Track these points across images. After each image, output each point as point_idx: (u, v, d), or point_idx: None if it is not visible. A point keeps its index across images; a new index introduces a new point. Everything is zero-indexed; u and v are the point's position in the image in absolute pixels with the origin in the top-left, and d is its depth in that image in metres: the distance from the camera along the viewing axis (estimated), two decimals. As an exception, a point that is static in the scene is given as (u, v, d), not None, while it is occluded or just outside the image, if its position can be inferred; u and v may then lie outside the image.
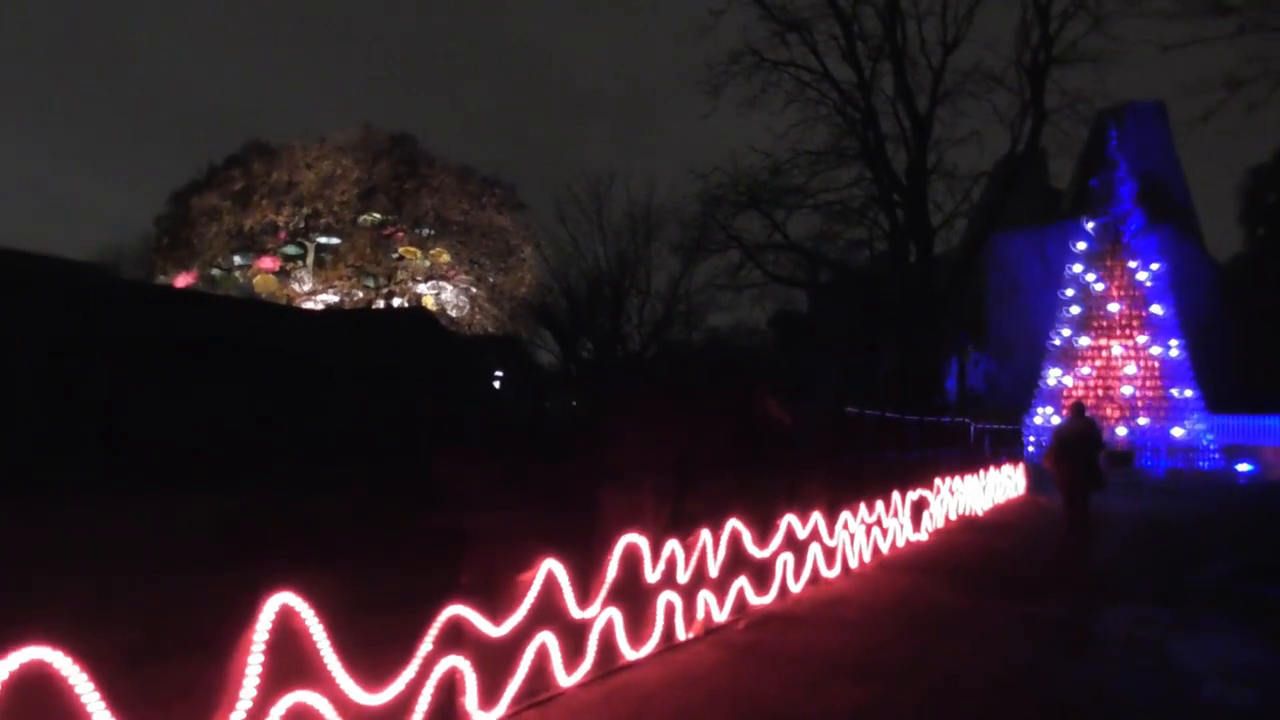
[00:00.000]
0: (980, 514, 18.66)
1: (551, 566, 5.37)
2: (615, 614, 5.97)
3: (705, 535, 7.23)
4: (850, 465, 11.30)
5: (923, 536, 13.97)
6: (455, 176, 58.85)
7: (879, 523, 11.86)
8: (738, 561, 7.90)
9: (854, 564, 10.78)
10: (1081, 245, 39.74)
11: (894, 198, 23.65)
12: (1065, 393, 38.13)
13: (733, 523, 7.74)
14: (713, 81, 25.13)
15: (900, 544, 12.88)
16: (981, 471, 19.65)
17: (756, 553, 8.18)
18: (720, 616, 7.49)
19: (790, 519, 8.96)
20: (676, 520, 6.95)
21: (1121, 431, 36.79)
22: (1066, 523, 12.31)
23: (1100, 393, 37.74)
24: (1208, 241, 52.62)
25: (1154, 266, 38.85)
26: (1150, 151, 49.12)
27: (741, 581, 7.92)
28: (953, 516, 16.46)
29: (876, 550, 11.77)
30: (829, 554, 10.06)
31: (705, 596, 7.24)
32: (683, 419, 7.57)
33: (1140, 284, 38.61)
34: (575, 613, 5.58)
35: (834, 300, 27.84)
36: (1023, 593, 9.97)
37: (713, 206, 25.24)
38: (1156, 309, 38.25)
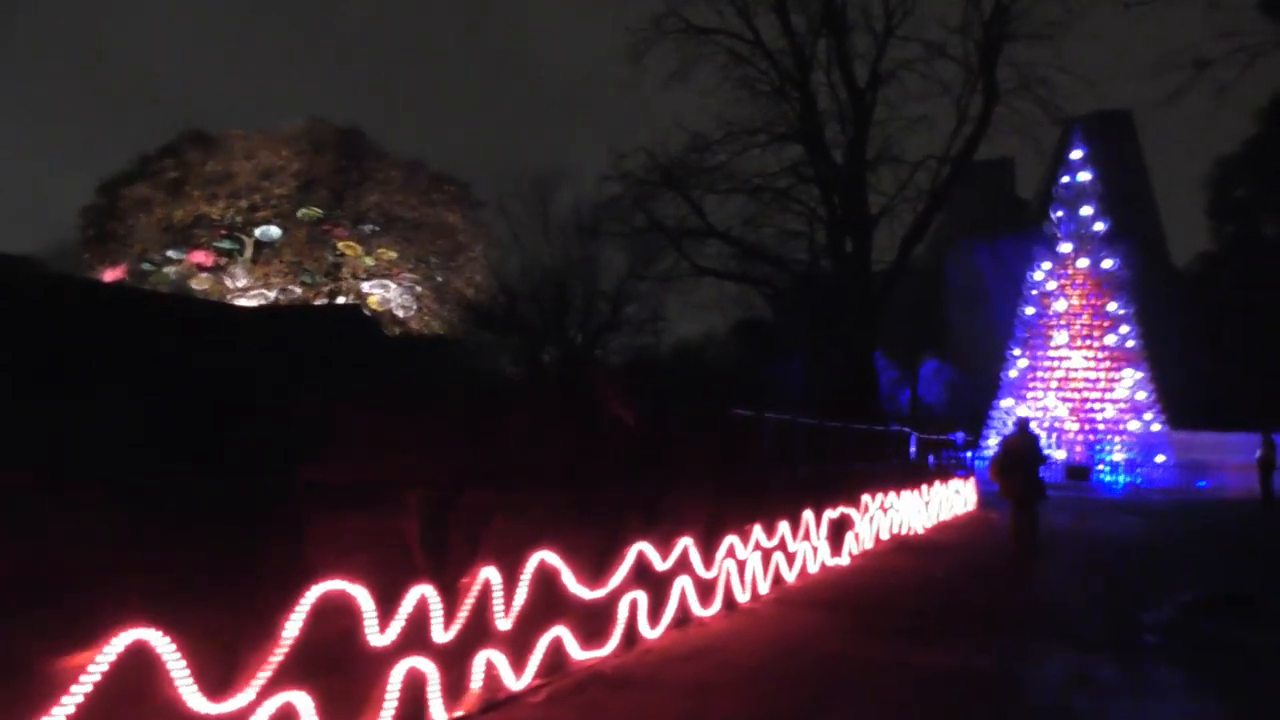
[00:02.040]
0: (921, 532, 16.93)
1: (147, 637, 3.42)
2: (299, 699, 4.03)
3: (488, 575, 5.33)
4: (745, 480, 9.46)
5: (843, 561, 12.16)
6: (404, 171, 56.68)
7: (782, 547, 10.02)
8: (554, 605, 6.01)
9: (744, 598, 8.92)
10: (1045, 257, 38.38)
11: (832, 184, 21.72)
12: (1025, 403, 36.70)
13: (543, 555, 5.85)
14: (635, 49, 23.10)
15: (813, 570, 11.05)
16: (924, 486, 17.93)
17: (585, 593, 6.29)
18: (517, 683, 5.58)
19: (644, 547, 7.09)
20: (440, 556, 5.06)
21: (1080, 445, 35.38)
22: (1012, 535, 12.85)
23: (1060, 404, 36.32)
24: (1172, 245, 51.76)
25: (1116, 272, 37.59)
26: (1116, 161, 48.08)
27: (558, 631, 6.02)
28: (885, 536, 14.68)
29: (778, 580, 9.93)
30: (706, 588, 8.19)
31: (488, 658, 5.32)
32: (470, 420, 5.69)
33: (1104, 293, 37.32)
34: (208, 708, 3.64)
35: (791, 305, 25.67)
36: (945, 636, 8.17)
37: (630, 186, 23.17)
38: (1117, 313, 36.93)
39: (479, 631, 5.25)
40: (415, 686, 4.71)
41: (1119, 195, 41.59)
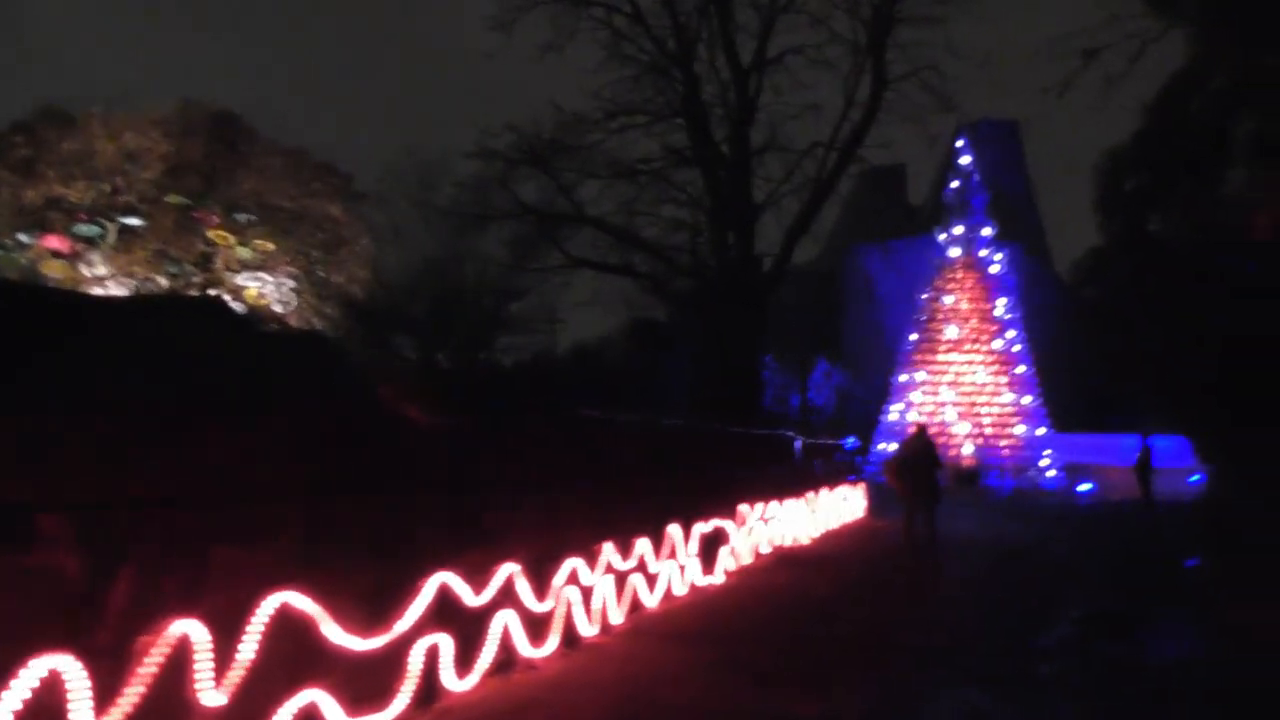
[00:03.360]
0: (806, 543, 15.94)
1: None
2: None
3: (183, 629, 3.86)
4: (598, 492, 8.15)
5: (716, 580, 10.97)
6: (284, 159, 53.69)
7: (642, 568, 8.74)
8: (308, 661, 4.57)
9: (591, 630, 7.59)
10: (936, 262, 38.43)
11: (716, 171, 20.59)
12: (915, 408, 36.62)
13: (286, 597, 4.40)
14: (503, 17, 21.43)
15: (681, 592, 9.82)
16: (810, 493, 16.96)
17: (357, 643, 4.86)
18: (237, 774, 4.12)
19: (448, 578, 5.69)
20: (107, 606, 3.57)
21: (969, 449, 35.39)
22: (905, 538, 13.09)
23: (950, 408, 36.31)
24: (1056, 252, 53.03)
25: (1004, 278, 37.90)
26: (1003, 169, 48.88)
27: (310, 696, 4.57)
28: (766, 549, 13.59)
29: (636, 607, 8.64)
30: (539, 623, 6.84)
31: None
32: (182, 420, 4.22)
33: (991, 299, 37.55)
34: None
35: (679, 301, 24.25)
36: (817, 671, 7.03)
37: (494, 165, 21.52)
38: (1004, 318, 37.23)
39: (165, 713, 3.77)
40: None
41: (1006, 201, 42.14)
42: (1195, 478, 34.36)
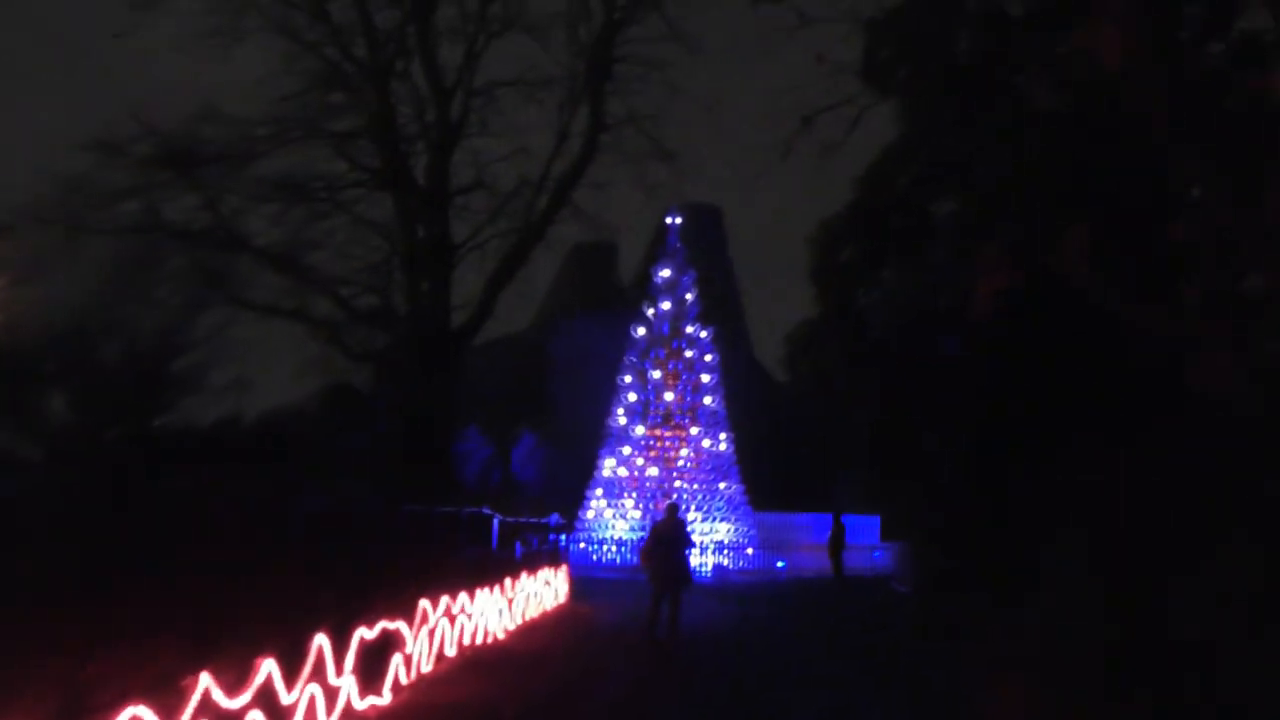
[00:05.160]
0: (502, 637, 13.79)
1: None
2: None
3: None
4: (194, 596, 5.64)
5: (382, 700, 8.54)
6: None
7: (263, 700, 6.22)
8: None
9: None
10: (642, 332, 38.31)
11: (410, 203, 18.21)
12: (622, 483, 35.83)
13: None
14: None
15: (329, 725, 7.33)
16: (509, 580, 14.87)
17: None
18: None
19: None
20: None
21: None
22: (649, 625, 12.63)
23: (652, 485, 35.81)
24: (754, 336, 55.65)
25: (708, 358, 38.47)
26: (707, 252, 50.62)
27: None
28: (452, 650, 11.29)
29: (251, 759, 6.09)
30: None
31: None
32: None
33: (695, 376, 37.89)
34: None
35: (370, 358, 21.08)
36: None
37: (118, 163, 17.51)
38: (708, 400, 37.66)
39: None
40: None
41: (710, 285, 43.23)
42: (878, 554, 36.12)
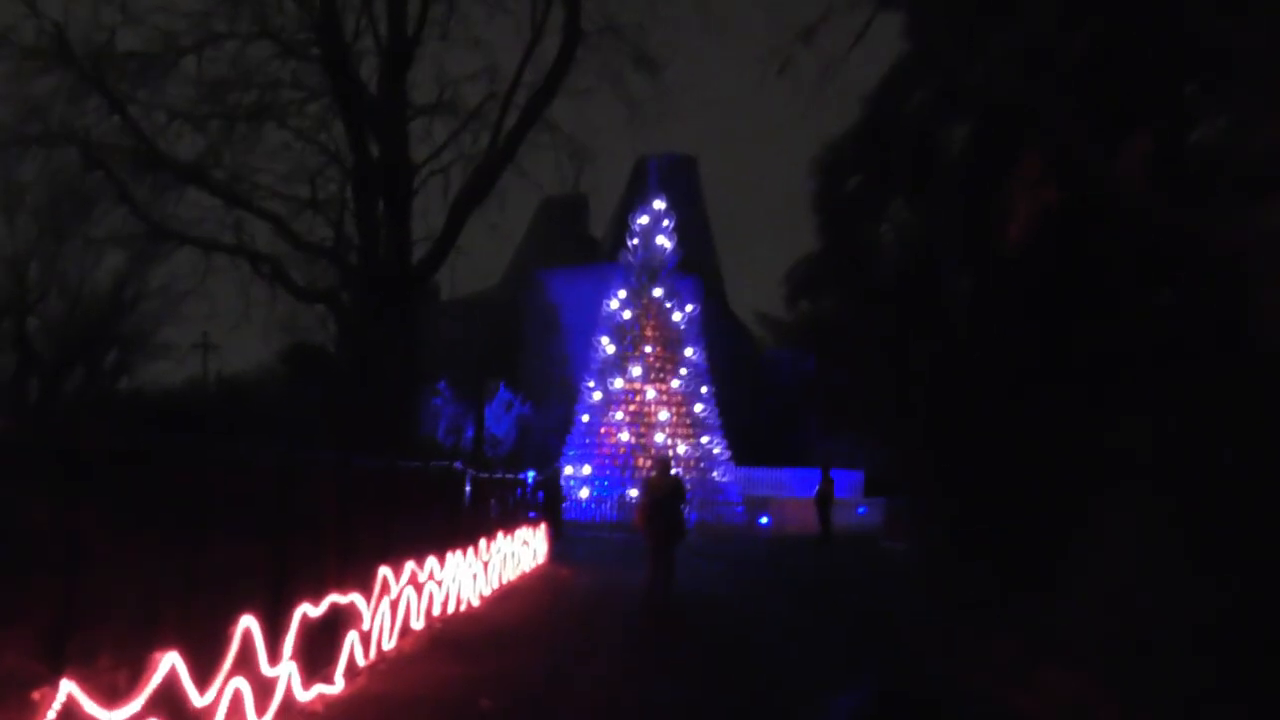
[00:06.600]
0: (477, 604, 12.47)
1: None
2: None
3: None
4: (44, 588, 4.18)
5: (333, 689, 7.16)
6: None
7: (158, 709, 4.79)
8: None
9: None
10: (619, 290, 36.85)
11: (362, 119, 16.20)
12: (600, 438, 34.60)
13: None
14: None
15: (263, 724, 5.95)
16: (484, 541, 13.52)
17: None
18: None
19: None
20: None
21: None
22: (646, 595, 12.27)
23: (634, 440, 34.58)
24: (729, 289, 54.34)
25: (689, 308, 37.18)
26: (682, 203, 48.96)
27: None
28: (419, 623, 9.93)
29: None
30: None
31: None
32: None
33: (675, 327, 36.58)
34: None
35: (320, 297, 18.79)
36: None
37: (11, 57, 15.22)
38: (690, 353, 36.41)
39: None
40: None
41: (685, 234, 41.77)
42: (862, 509, 35.20)
